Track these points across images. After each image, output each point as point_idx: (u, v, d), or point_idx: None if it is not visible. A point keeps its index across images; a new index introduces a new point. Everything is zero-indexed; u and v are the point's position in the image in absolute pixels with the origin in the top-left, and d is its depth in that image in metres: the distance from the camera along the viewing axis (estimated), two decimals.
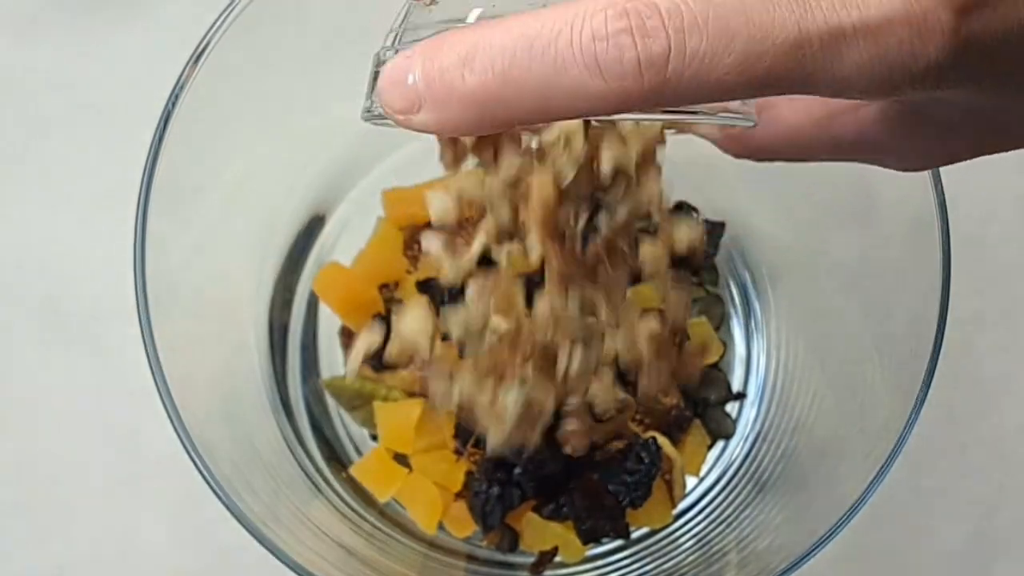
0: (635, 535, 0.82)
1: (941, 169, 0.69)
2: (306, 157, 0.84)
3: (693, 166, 0.85)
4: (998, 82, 0.37)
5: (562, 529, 0.78)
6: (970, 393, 0.89)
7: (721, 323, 0.87)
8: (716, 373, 0.85)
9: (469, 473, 0.79)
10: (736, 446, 0.85)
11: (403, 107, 0.41)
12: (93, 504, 0.86)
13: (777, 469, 0.81)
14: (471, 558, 0.82)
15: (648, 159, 0.57)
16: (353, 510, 0.81)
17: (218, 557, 0.86)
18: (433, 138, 0.85)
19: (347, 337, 0.86)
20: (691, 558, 0.78)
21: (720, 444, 0.85)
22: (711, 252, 0.85)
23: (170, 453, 0.81)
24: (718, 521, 0.81)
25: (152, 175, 0.68)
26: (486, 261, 0.57)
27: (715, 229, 0.85)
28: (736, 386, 0.87)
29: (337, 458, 0.84)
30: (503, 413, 0.60)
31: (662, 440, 0.80)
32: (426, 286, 0.81)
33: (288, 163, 0.83)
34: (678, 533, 0.81)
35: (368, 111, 0.48)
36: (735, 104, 0.43)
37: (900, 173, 0.68)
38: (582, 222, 0.57)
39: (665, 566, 0.78)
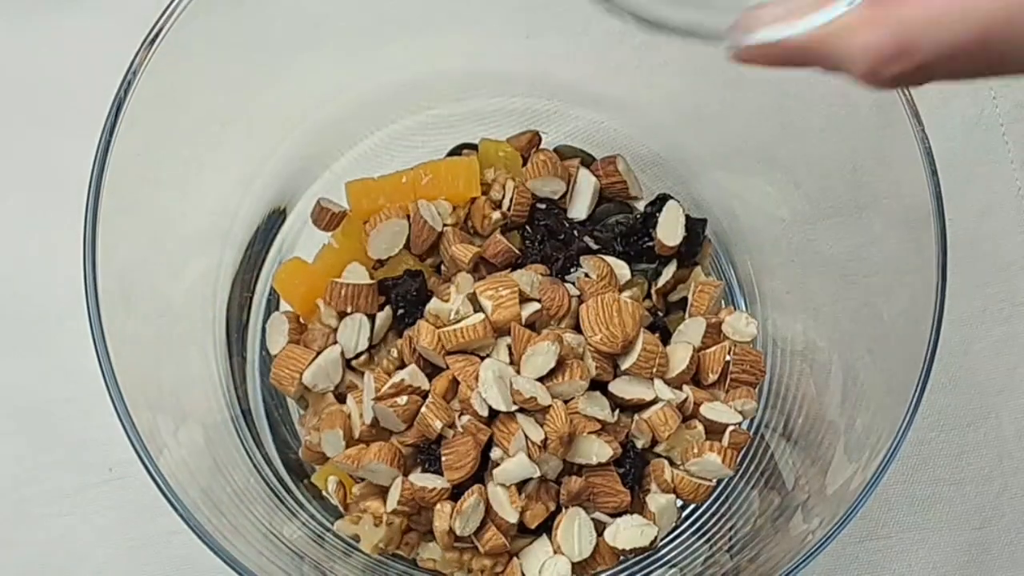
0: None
1: (938, 162, 0.68)
2: (265, 148, 0.83)
3: (676, 158, 0.85)
4: None
5: None
6: (967, 397, 0.88)
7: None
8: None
9: None
10: None
11: None
12: (41, 513, 0.85)
13: (762, 480, 0.79)
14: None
15: None
16: (316, 521, 0.80)
17: (170, 570, 0.84)
18: (395, 130, 0.86)
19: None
20: (673, 572, 0.78)
21: None
22: (693, 250, 0.84)
23: (123, 461, 0.82)
24: (704, 531, 0.80)
25: (103, 166, 0.67)
26: None
27: (696, 226, 0.84)
28: None
29: (300, 467, 0.82)
30: None
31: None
32: (384, 286, 0.80)
33: (246, 154, 0.82)
34: (662, 544, 0.80)
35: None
36: None
37: (893, 163, 0.68)
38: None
39: None
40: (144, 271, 0.73)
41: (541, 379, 0.74)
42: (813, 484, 0.74)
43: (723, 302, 0.85)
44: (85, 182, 0.66)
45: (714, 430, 0.79)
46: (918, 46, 0.45)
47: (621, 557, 0.78)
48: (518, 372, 0.75)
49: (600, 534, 0.77)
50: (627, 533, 0.76)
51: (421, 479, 0.75)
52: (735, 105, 0.81)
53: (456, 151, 0.86)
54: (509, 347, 0.76)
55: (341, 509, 0.79)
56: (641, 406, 0.77)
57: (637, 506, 0.78)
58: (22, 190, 0.89)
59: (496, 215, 0.82)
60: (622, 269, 0.81)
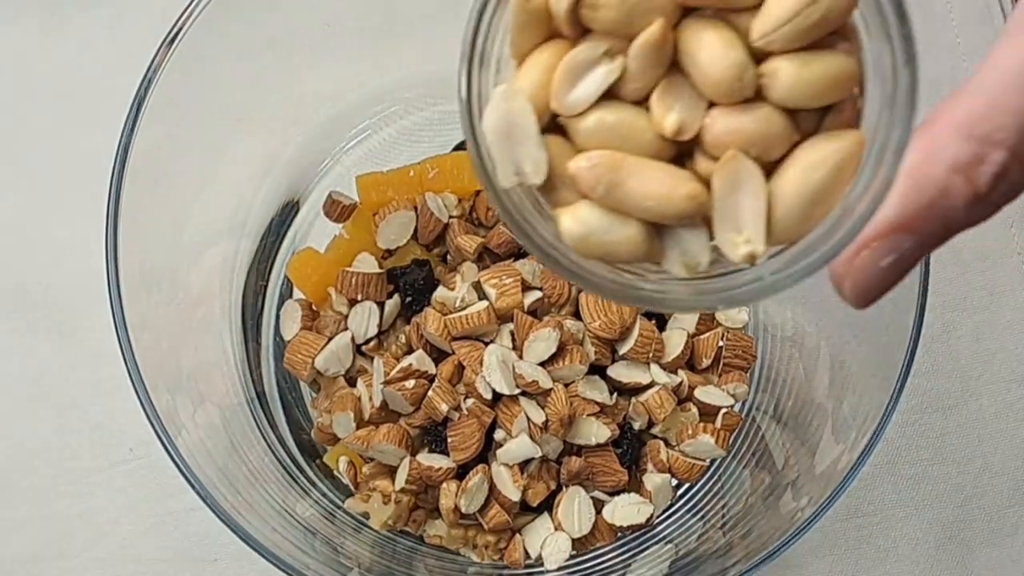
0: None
1: None
2: (279, 143, 0.84)
3: None
4: None
5: None
6: (948, 381, 0.89)
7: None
8: None
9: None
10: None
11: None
12: (64, 491, 0.86)
13: (754, 460, 0.81)
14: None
15: None
16: (328, 499, 0.81)
17: (188, 546, 0.85)
18: (403, 125, 0.87)
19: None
20: (668, 548, 0.79)
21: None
22: None
23: (143, 441, 0.83)
24: (698, 509, 0.81)
25: (125, 160, 0.68)
26: None
27: None
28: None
29: (312, 447, 0.83)
30: None
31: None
32: (393, 275, 0.82)
33: (261, 149, 0.83)
34: (658, 521, 0.81)
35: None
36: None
37: None
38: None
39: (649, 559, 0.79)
40: (164, 260, 0.74)
41: (543, 364, 0.76)
42: (802, 464, 0.75)
43: None
44: (108, 174, 0.68)
45: (707, 412, 0.81)
46: (992, 138, 0.40)
47: (619, 533, 0.80)
48: (520, 357, 0.76)
49: (599, 511, 0.78)
50: (624, 511, 0.78)
51: (428, 459, 0.76)
52: None
53: (461, 146, 0.86)
54: (512, 333, 0.78)
55: (352, 488, 0.80)
56: (638, 389, 0.79)
57: (634, 485, 0.80)
58: (48, 181, 0.91)
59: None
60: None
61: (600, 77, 0.41)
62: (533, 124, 0.41)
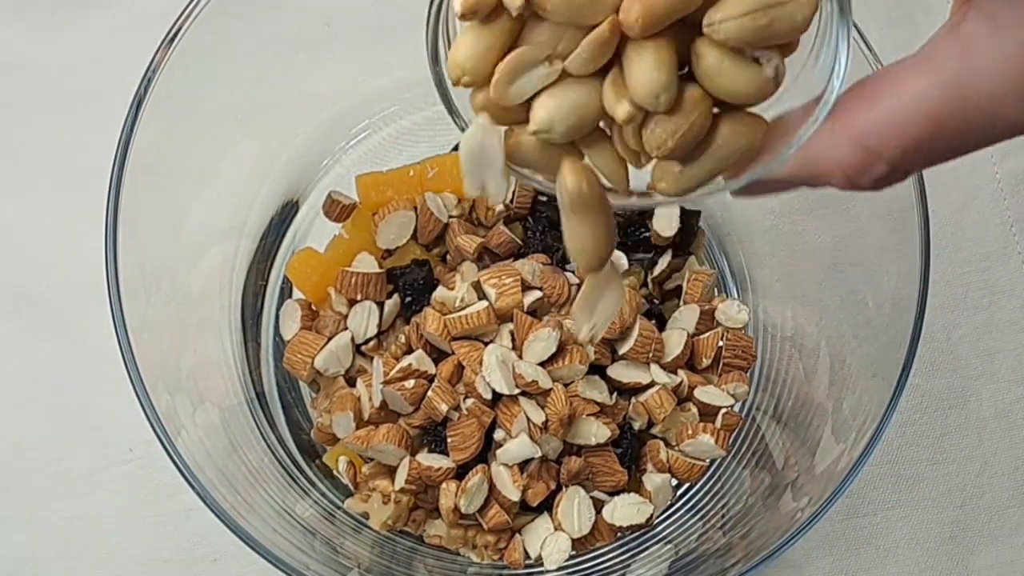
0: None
1: None
2: (279, 143, 0.84)
3: None
4: None
5: None
6: (949, 380, 0.89)
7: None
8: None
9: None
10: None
11: None
12: (64, 492, 0.86)
13: (754, 460, 0.81)
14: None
15: None
16: (327, 499, 0.81)
17: (188, 546, 0.85)
18: (403, 125, 0.88)
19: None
20: (668, 548, 0.79)
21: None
22: (688, 240, 0.85)
23: (143, 441, 0.83)
24: (698, 509, 0.81)
25: (124, 159, 0.69)
26: None
27: (690, 217, 0.85)
28: None
29: (312, 447, 0.83)
30: None
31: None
32: (393, 275, 0.82)
33: (260, 149, 0.83)
34: (658, 521, 0.81)
35: None
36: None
37: None
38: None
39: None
40: (163, 260, 0.74)
41: (542, 363, 0.76)
42: (802, 464, 0.75)
43: (716, 290, 0.86)
44: (108, 174, 0.68)
45: (707, 412, 0.81)
46: (880, 154, 0.45)
47: (619, 534, 0.80)
48: (520, 357, 0.76)
49: (599, 511, 0.79)
50: (624, 511, 0.78)
51: (428, 459, 0.76)
52: None
53: None
54: (512, 333, 0.78)
55: (351, 488, 0.80)
56: (638, 389, 0.79)
57: (634, 485, 0.80)
58: (48, 181, 0.91)
59: (499, 207, 0.83)
60: (620, 259, 0.82)
61: (539, 76, 0.46)
62: (502, 158, 0.48)
